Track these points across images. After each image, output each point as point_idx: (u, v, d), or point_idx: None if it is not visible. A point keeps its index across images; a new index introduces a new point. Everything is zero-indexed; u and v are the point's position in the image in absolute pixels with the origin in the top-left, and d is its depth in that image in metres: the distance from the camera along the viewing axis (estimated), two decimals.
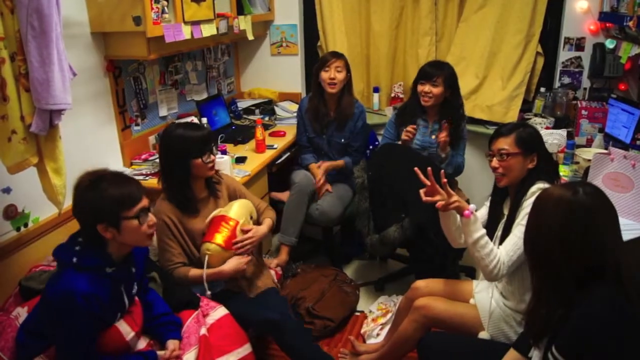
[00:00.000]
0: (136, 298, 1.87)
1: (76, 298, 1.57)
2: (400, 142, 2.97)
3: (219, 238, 2.18)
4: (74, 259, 1.64)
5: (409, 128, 2.92)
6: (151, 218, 1.72)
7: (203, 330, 1.97)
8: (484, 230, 1.93)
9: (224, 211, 2.26)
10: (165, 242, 2.20)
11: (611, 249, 1.37)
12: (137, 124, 2.97)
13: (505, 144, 2.00)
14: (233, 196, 2.41)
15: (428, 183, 1.96)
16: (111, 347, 1.73)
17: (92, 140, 2.60)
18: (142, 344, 1.87)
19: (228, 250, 2.19)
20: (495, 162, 2.02)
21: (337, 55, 3.16)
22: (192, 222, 2.25)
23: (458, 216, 2.00)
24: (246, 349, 2.03)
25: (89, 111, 2.60)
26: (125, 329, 1.76)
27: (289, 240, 3.02)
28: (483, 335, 2.00)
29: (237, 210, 2.26)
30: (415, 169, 1.99)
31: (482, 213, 2.21)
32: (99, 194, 1.62)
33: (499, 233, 2.07)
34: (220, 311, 2.09)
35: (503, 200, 2.12)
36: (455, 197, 1.94)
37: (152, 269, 2.14)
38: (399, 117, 3.06)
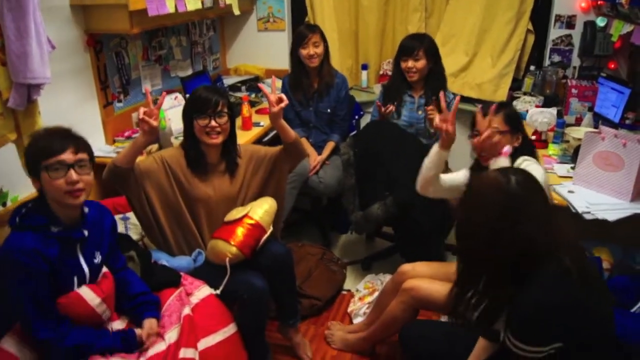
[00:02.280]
0: (107, 272, 1.83)
1: (14, 254, 1.55)
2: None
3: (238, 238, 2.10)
4: (17, 220, 1.63)
5: (391, 107, 2.91)
6: (73, 177, 1.60)
7: (187, 310, 1.94)
8: None
9: (253, 212, 2.15)
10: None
11: (544, 236, 1.35)
12: (119, 101, 2.90)
13: (494, 122, 2.01)
14: (257, 167, 2.30)
15: (447, 111, 2.06)
16: (77, 314, 1.69)
17: (73, 117, 2.51)
18: (121, 324, 1.85)
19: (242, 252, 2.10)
20: None
21: (313, 30, 3.13)
22: (197, 184, 2.20)
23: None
24: (231, 328, 2.00)
25: (70, 87, 2.53)
26: (88, 294, 1.71)
27: None
28: None
29: (264, 217, 2.16)
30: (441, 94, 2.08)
31: (457, 177, 2.24)
32: (30, 144, 1.66)
33: None
34: (204, 290, 2.06)
35: None
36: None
37: (131, 247, 2.09)
38: (386, 96, 3.04)
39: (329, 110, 3.23)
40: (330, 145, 3.23)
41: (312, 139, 3.26)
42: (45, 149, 1.60)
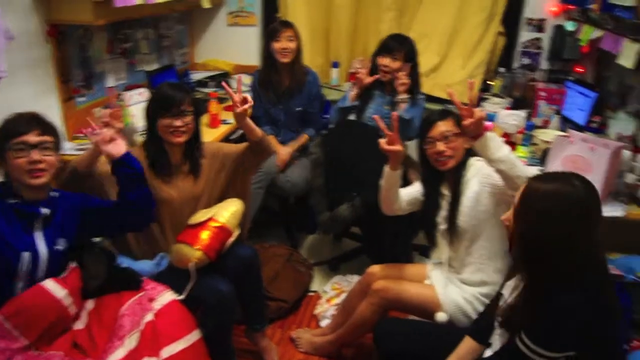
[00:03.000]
0: (75, 267, 1.78)
1: None
2: (351, 99, 2.93)
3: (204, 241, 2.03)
4: None
5: (369, 77, 2.89)
6: (34, 157, 1.66)
7: (150, 316, 1.86)
8: None
9: (218, 215, 2.08)
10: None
11: (597, 242, 1.35)
12: (81, 95, 2.79)
13: (446, 126, 2.01)
14: (222, 165, 2.24)
15: (390, 133, 1.97)
16: (42, 309, 1.64)
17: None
18: (81, 324, 1.79)
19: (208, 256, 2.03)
20: (441, 146, 2.00)
21: (287, 25, 3.09)
22: (160, 185, 2.12)
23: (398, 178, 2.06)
24: (195, 334, 1.93)
25: (28, 80, 2.42)
26: (52, 286, 1.67)
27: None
28: (440, 316, 2.00)
29: (230, 219, 2.10)
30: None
31: (412, 191, 2.21)
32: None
33: (444, 213, 2.08)
34: (167, 295, 1.98)
35: (440, 182, 2.11)
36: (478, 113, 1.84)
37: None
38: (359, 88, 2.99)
39: (300, 109, 3.18)
40: (303, 138, 3.18)
41: (281, 137, 3.20)
42: (11, 130, 1.67)
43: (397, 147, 1.98)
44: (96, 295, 1.89)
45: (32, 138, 1.67)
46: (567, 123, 3.10)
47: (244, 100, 2.09)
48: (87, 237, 1.94)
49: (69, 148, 2.58)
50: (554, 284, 1.36)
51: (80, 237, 1.85)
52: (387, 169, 2.06)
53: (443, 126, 2.01)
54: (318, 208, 2.81)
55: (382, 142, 1.99)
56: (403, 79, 2.81)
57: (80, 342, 1.76)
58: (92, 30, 2.80)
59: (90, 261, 1.92)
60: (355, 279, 2.80)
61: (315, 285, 2.92)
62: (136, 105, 2.77)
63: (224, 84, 2.23)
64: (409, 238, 2.81)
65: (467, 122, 1.80)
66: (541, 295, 1.37)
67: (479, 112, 1.80)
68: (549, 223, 1.34)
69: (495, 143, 1.81)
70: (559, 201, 1.34)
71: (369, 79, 2.90)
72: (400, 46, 2.86)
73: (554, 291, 1.34)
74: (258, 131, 2.17)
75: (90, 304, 1.85)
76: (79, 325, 1.78)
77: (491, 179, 1.92)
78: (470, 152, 2.03)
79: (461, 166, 2.03)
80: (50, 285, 1.68)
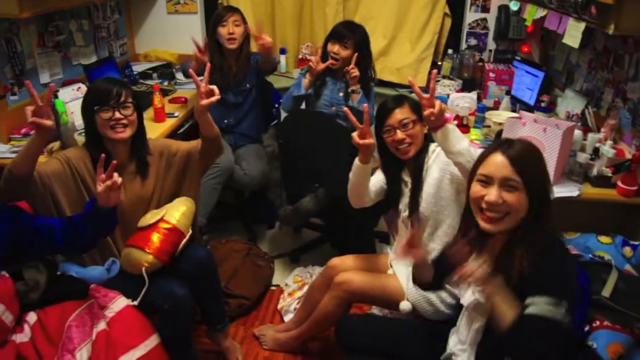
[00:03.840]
0: (4, 274, 1.67)
1: None
2: (305, 86, 2.86)
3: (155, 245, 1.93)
4: None
5: (321, 64, 2.81)
6: None
7: (102, 325, 1.76)
8: None
9: (168, 215, 1.98)
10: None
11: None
12: (13, 94, 2.60)
13: (403, 114, 1.97)
14: (170, 164, 2.12)
15: (360, 126, 1.91)
16: None
17: None
18: (25, 337, 1.70)
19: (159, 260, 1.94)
20: (400, 134, 1.97)
21: (233, 10, 3.01)
22: None
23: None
24: (153, 340, 1.84)
25: None
26: None
27: (199, 221, 2.82)
28: (404, 305, 1.97)
29: (181, 220, 2.00)
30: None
31: (376, 181, 2.17)
32: None
33: (405, 200, 2.06)
34: (120, 302, 1.87)
35: (401, 169, 2.09)
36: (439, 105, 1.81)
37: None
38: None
39: (248, 85, 3.09)
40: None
41: (233, 118, 3.10)
42: None
43: (370, 140, 1.92)
44: (38, 307, 1.77)
45: None
46: (517, 103, 3.13)
47: (210, 92, 1.97)
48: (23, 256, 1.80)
49: (4, 151, 2.40)
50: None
51: (14, 251, 1.72)
52: (357, 162, 2.00)
53: (400, 114, 1.97)
54: (277, 202, 2.73)
55: (354, 135, 1.92)
56: (353, 71, 2.76)
57: (26, 355, 1.66)
58: (18, 24, 2.60)
59: (29, 272, 1.80)
60: (317, 270, 2.76)
61: (277, 279, 2.85)
62: (74, 102, 2.59)
63: (191, 71, 2.07)
64: (373, 227, 2.78)
65: (427, 112, 1.75)
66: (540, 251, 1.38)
67: (439, 103, 1.76)
68: (543, 167, 1.46)
69: (455, 135, 1.78)
70: (535, 149, 1.48)
71: (321, 66, 2.82)
72: (351, 34, 2.81)
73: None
74: (215, 127, 2.06)
75: (32, 317, 1.75)
76: (23, 338, 1.68)
77: (451, 167, 1.89)
78: (430, 138, 1.99)
79: (421, 152, 2.00)
80: None
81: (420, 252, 1.70)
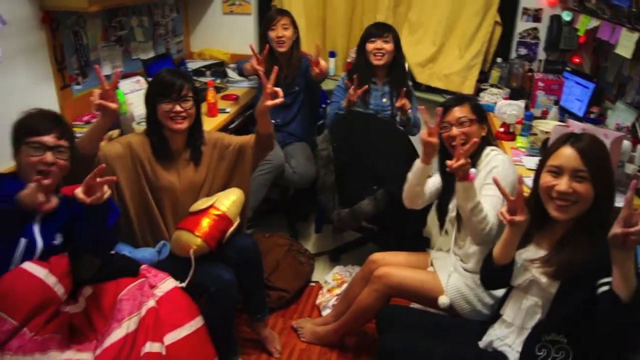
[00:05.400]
0: (64, 254, 1.76)
1: None
2: (344, 105, 2.86)
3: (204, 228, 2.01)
4: None
5: (358, 91, 2.80)
6: (48, 159, 1.69)
7: (152, 303, 1.85)
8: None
9: (219, 203, 2.07)
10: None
11: None
12: (77, 83, 2.74)
13: (462, 112, 2.02)
14: (222, 155, 2.21)
15: (431, 126, 1.99)
16: (25, 290, 1.61)
17: (27, 99, 2.32)
18: (78, 308, 1.79)
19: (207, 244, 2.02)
20: (455, 130, 2.01)
21: (282, 13, 3.07)
22: (161, 172, 2.09)
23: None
24: (198, 321, 1.92)
25: (23, 67, 2.36)
26: (31, 267, 1.65)
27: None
28: (442, 299, 2.00)
29: (231, 208, 2.09)
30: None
31: (432, 184, 2.21)
32: (20, 119, 1.75)
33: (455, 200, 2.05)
34: (169, 282, 1.96)
35: None
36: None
37: None
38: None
39: (297, 88, 3.16)
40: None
41: (281, 119, 3.16)
42: (31, 127, 1.71)
43: (435, 140, 1.98)
44: (93, 282, 1.86)
45: (50, 140, 1.70)
46: (565, 113, 3.10)
47: (275, 94, 2.06)
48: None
49: (59, 115, 2.53)
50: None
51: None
52: (419, 163, 2.07)
53: (459, 112, 2.01)
54: (330, 205, 2.73)
55: (423, 133, 1.99)
56: (405, 105, 2.78)
57: (77, 325, 1.75)
58: (85, 17, 2.74)
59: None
60: (356, 269, 2.79)
61: (317, 276, 2.90)
62: (133, 93, 2.72)
63: (261, 73, 2.20)
64: (422, 226, 2.80)
65: (456, 164, 1.79)
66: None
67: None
68: (608, 160, 1.55)
69: (473, 192, 1.84)
70: (601, 143, 1.56)
71: (359, 92, 2.81)
72: (387, 29, 2.90)
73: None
74: (271, 126, 2.16)
75: (88, 290, 1.84)
76: (76, 309, 1.77)
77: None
78: (487, 141, 2.03)
79: (476, 154, 2.00)
80: (29, 265, 1.66)
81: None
